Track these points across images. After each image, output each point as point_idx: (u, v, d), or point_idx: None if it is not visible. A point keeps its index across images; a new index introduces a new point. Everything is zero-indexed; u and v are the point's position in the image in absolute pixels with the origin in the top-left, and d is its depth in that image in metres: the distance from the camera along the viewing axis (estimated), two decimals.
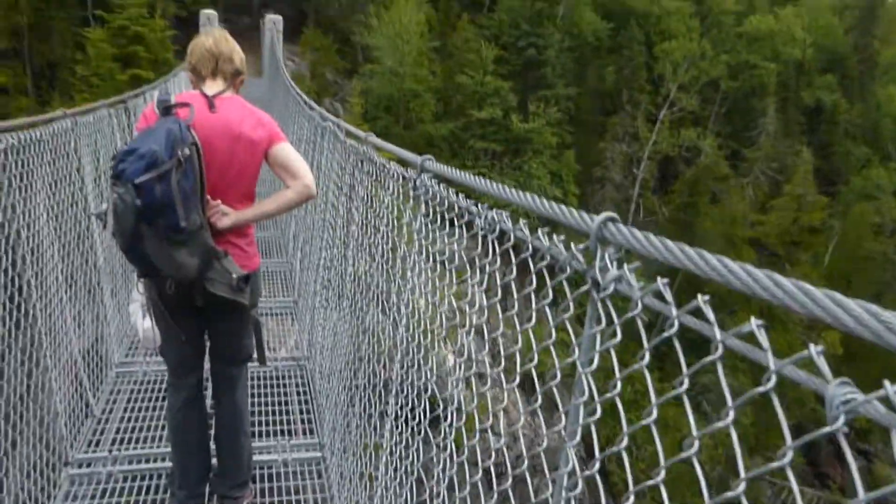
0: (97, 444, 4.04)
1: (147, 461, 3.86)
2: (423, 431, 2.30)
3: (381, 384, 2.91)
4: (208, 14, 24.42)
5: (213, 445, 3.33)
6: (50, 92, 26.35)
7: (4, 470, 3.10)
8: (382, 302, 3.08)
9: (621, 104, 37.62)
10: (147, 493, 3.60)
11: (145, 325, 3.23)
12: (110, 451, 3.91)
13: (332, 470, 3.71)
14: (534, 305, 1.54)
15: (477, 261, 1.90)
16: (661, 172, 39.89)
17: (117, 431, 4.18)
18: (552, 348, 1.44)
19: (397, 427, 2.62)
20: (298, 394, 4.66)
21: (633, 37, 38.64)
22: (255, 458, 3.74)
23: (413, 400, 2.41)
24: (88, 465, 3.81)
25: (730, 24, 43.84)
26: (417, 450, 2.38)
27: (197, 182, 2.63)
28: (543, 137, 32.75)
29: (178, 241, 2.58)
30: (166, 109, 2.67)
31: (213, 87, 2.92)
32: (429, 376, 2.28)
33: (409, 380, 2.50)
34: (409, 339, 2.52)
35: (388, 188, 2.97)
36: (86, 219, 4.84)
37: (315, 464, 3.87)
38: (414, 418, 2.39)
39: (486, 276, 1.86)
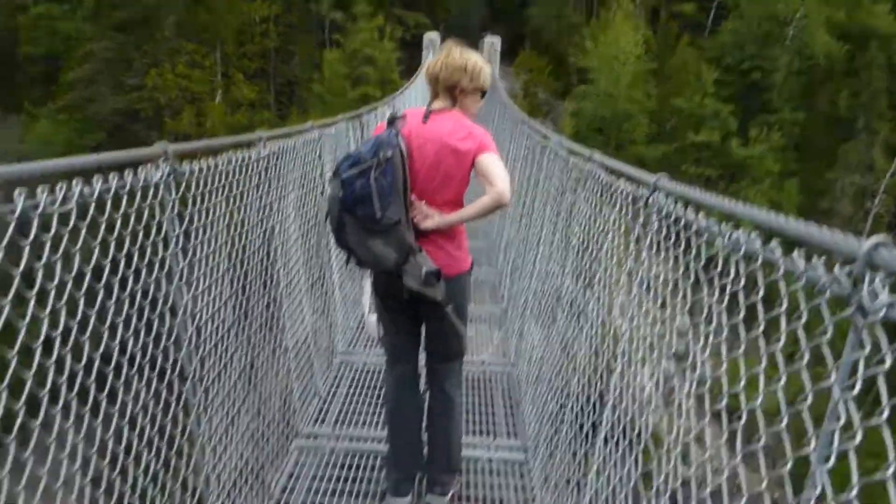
0: (322, 422, 4.46)
1: (365, 442, 4.19)
2: (635, 454, 2.30)
3: (596, 398, 2.94)
4: (431, 37, 25.81)
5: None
6: (288, 106, 29.29)
7: (253, 432, 3.53)
8: (601, 320, 3.10)
9: (856, 132, 34.26)
10: (364, 470, 3.91)
11: (372, 317, 3.55)
12: (333, 429, 4.29)
13: (536, 473, 3.80)
14: (781, 338, 1.51)
15: (716, 280, 1.88)
16: None
17: (339, 413, 4.58)
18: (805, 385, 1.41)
19: (606, 446, 2.63)
20: (503, 398, 4.82)
21: (873, 60, 35.08)
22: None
23: (627, 422, 2.42)
24: (315, 439, 4.21)
25: None
26: (629, 471, 2.38)
27: (396, 181, 2.92)
28: (764, 164, 30.80)
29: (374, 231, 2.93)
30: (391, 122, 3.09)
31: (436, 103, 3.22)
32: (650, 401, 2.28)
33: (624, 404, 2.51)
34: (626, 364, 2.53)
35: (616, 205, 3.00)
36: (323, 218, 5.35)
37: (518, 465, 3.98)
38: (626, 438, 2.40)
39: (727, 297, 1.84)
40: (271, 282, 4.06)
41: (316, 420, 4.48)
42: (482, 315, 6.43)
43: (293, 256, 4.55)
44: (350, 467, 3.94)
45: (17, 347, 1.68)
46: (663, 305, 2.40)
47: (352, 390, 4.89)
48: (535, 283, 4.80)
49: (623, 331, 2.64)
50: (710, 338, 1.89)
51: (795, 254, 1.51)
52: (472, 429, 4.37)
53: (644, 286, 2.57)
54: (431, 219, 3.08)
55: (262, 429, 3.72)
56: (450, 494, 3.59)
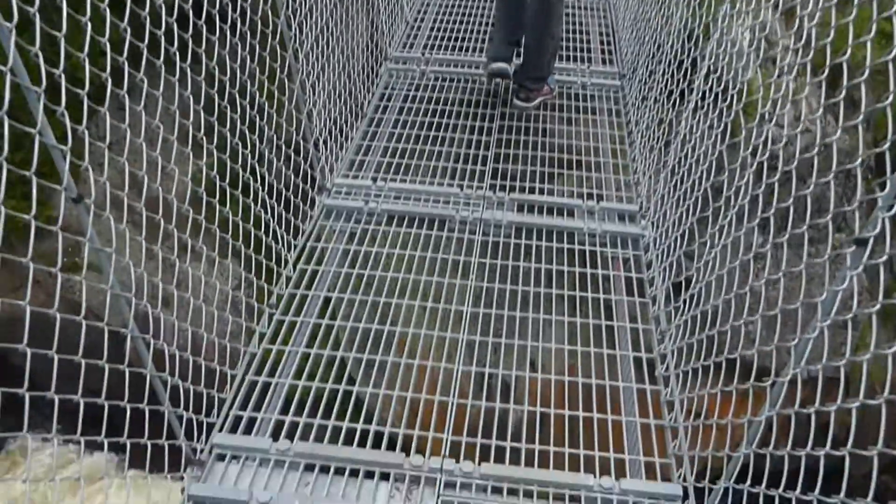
0: (411, 47, 4.36)
1: (455, 66, 4.11)
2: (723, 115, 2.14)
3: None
4: None
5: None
6: None
7: (343, 46, 3.48)
8: None
9: None
10: (454, 92, 3.89)
11: None
12: (423, 54, 4.20)
13: (630, 96, 3.71)
14: None
15: None
16: None
17: (427, 38, 4.45)
18: None
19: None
20: (599, 26, 4.56)
21: None
22: (556, 77, 3.83)
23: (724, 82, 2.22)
24: (404, 63, 4.15)
25: None
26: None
27: None
28: None
29: None
30: None
31: None
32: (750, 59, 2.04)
33: (726, 58, 2.27)
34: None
35: None
36: None
37: (613, 91, 3.88)
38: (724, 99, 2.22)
39: None
40: None
41: (404, 46, 4.37)
42: None
43: None
44: (440, 89, 3.92)
45: None
46: None
47: (439, 17, 4.68)
48: None
49: None
50: None
51: None
52: (568, 55, 4.21)
53: None
54: None
55: (351, 45, 3.65)
56: (536, 101, 3.63)
